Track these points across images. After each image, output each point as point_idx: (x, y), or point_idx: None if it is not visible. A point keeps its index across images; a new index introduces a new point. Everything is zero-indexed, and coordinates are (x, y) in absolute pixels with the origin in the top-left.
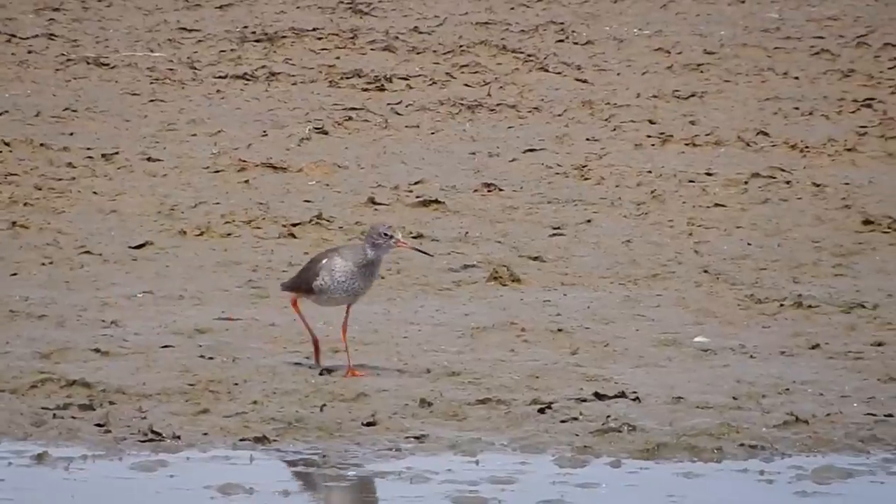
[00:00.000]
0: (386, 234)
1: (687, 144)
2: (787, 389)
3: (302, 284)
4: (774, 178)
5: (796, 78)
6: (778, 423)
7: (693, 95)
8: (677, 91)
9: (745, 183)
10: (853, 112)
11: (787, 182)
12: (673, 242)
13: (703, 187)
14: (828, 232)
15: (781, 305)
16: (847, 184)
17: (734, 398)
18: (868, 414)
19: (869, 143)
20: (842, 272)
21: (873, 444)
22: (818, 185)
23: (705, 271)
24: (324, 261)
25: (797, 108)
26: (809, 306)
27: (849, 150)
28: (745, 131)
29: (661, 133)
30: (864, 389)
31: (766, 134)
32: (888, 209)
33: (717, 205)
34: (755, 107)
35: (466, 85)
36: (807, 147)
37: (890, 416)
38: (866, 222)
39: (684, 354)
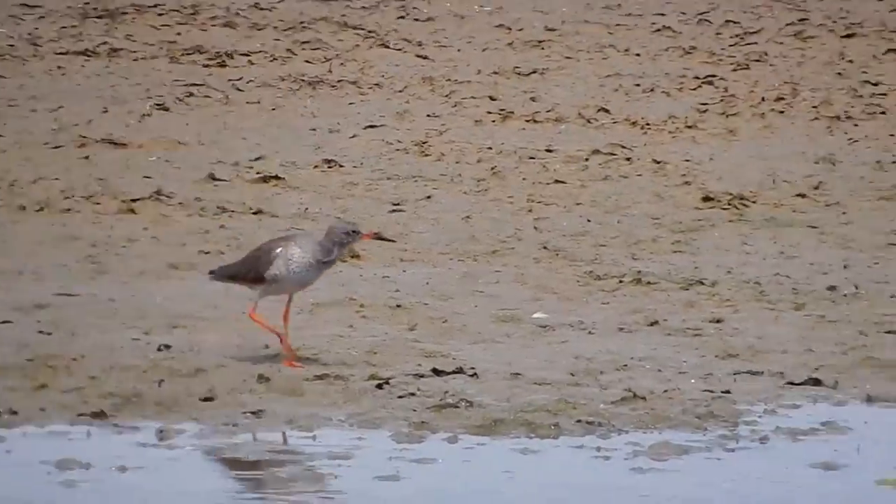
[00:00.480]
0: (353, 232)
1: (527, 121)
2: (625, 366)
3: (249, 273)
4: (615, 154)
5: (637, 55)
6: (616, 400)
7: (534, 72)
8: (518, 68)
9: (586, 160)
10: (694, 89)
11: (628, 159)
12: (512, 219)
13: (544, 164)
14: (667, 209)
15: (620, 282)
16: (687, 161)
17: (572, 374)
18: (706, 390)
19: (710, 120)
20: (681, 249)
21: (710, 420)
22: (658, 162)
23: (545, 248)
24: (278, 250)
25: (638, 85)
26: (648, 283)
27: (689, 127)
28: (585, 108)
29: (502, 110)
30: (701, 366)
31: (606, 111)
32: (728, 186)
33: (557, 181)
34: (596, 83)
35: (307, 61)
36: (647, 124)
37: (727, 392)
38: (706, 199)
39: (523, 331)
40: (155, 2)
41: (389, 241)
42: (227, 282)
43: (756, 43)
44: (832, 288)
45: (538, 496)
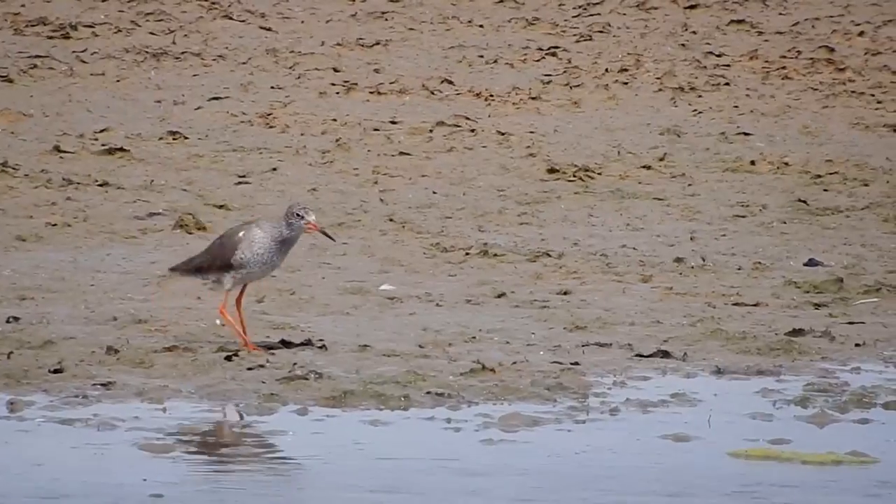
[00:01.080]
0: (298, 215)
1: (371, 93)
2: (474, 338)
3: (215, 261)
4: (459, 126)
5: (481, 26)
6: (464, 372)
7: (377, 44)
8: (362, 39)
9: (430, 131)
10: (538, 60)
11: (472, 130)
12: (358, 191)
13: (388, 136)
14: (513, 180)
15: (467, 254)
16: (532, 132)
17: (421, 346)
18: (554, 362)
19: (554, 91)
20: (527, 221)
21: (560, 392)
22: (503, 134)
23: (391, 220)
24: (241, 233)
25: (482, 57)
26: (495, 255)
27: (533, 98)
28: (429, 80)
29: (346, 81)
30: (549, 338)
31: (450, 82)
32: (573, 157)
33: (402, 153)
34: (440, 55)
35: (151, 33)
36: (491, 95)
37: (576, 364)
38: (551, 171)
39: (371, 303)
40: None
41: (330, 238)
42: (191, 276)
43: (599, 14)
44: (679, 260)
45: (388, 469)
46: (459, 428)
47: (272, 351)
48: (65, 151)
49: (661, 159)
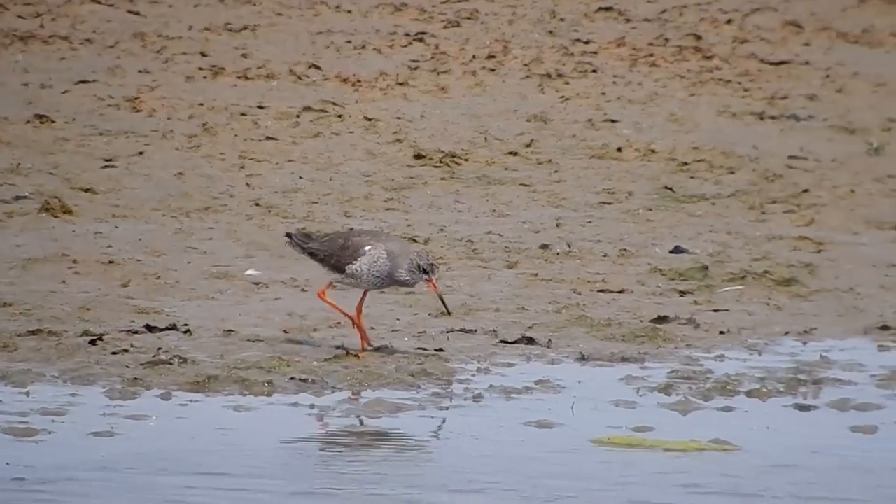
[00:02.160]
0: (423, 270)
1: (239, 77)
2: (339, 323)
3: (331, 259)
4: (326, 111)
5: (349, 11)
6: (329, 357)
7: (245, 28)
8: (230, 24)
9: (297, 116)
10: (405, 46)
11: (339, 116)
12: (225, 175)
13: (255, 120)
14: (379, 166)
15: None
16: (399, 118)
17: (285, 331)
18: (419, 349)
19: (421, 77)
20: (393, 206)
21: (424, 378)
22: (370, 119)
23: (257, 204)
24: (368, 247)
25: (349, 42)
26: None
27: (401, 84)
28: (297, 65)
29: (213, 66)
30: (415, 324)
31: (318, 67)
32: (439, 143)
33: (268, 138)
34: (307, 40)
35: (20, 16)
36: (359, 81)
37: (440, 350)
38: (418, 157)
39: (236, 287)
40: None
41: (445, 308)
42: (302, 254)
43: (467, 0)
44: (545, 246)
45: (251, 455)
46: (323, 414)
47: (136, 335)
48: None
49: (528, 146)
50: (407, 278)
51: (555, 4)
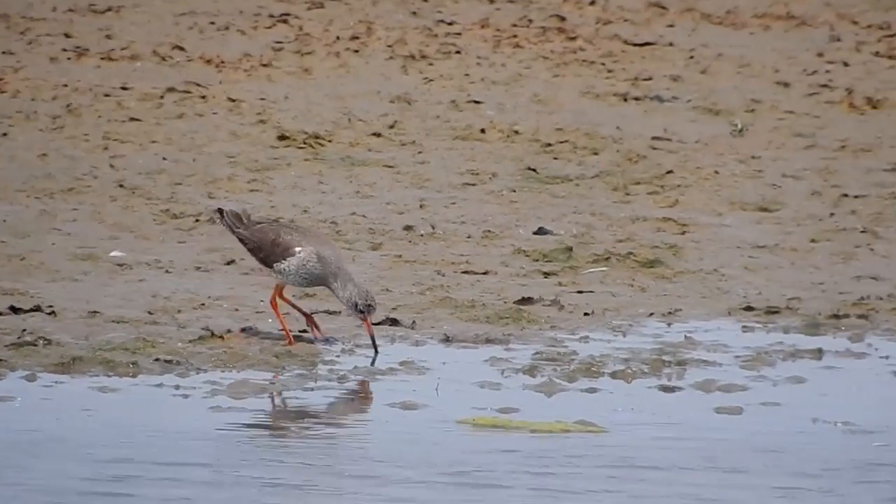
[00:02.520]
0: (361, 311)
1: (102, 58)
2: (203, 305)
3: (260, 252)
4: (190, 92)
5: None
6: (193, 339)
7: (109, 10)
8: (93, 5)
9: (161, 98)
10: (269, 27)
11: (203, 97)
12: (89, 156)
13: (119, 101)
14: (243, 147)
15: (197, 220)
16: (263, 99)
17: (150, 313)
18: (283, 330)
19: (284, 58)
20: (257, 188)
21: (288, 359)
22: (234, 101)
23: (121, 185)
24: (299, 248)
25: (213, 23)
26: None
27: (264, 65)
28: (160, 46)
29: (78, 47)
30: (279, 305)
31: (181, 48)
32: (303, 125)
33: (132, 119)
34: (171, 21)
35: None
36: (222, 62)
37: (305, 331)
38: (281, 138)
39: (100, 269)
40: None
41: (375, 348)
42: (229, 233)
43: None
44: (409, 228)
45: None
46: (188, 395)
47: (1, 316)
48: None
49: (392, 127)
50: (341, 296)
51: None
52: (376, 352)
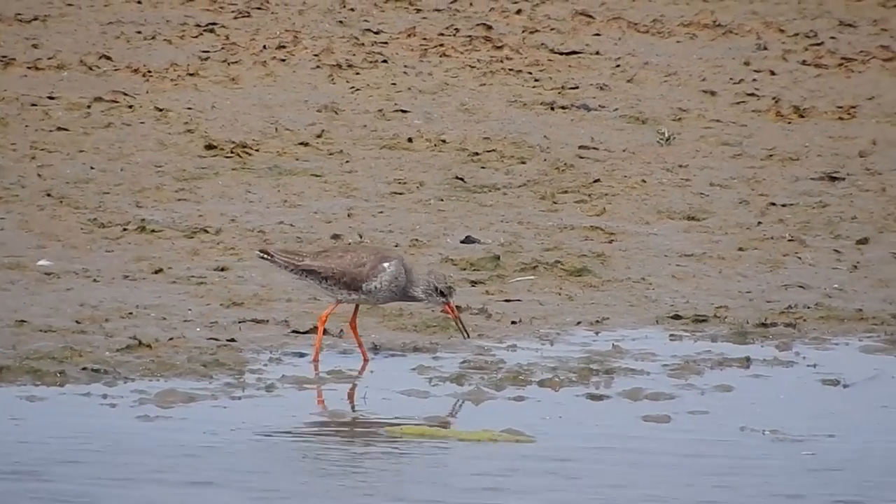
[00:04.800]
0: (442, 293)
1: (30, 68)
2: (131, 314)
3: (343, 277)
4: (117, 102)
5: (139, 2)
6: (121, 348)
7: (36, 19)
8: (20, 14)
9: (88, 107)
10: (196, 37)
11: (130, 106)
12: (16, 166)
13: (46, 111)
14: (171, 156)
15: (125, 230)
16: (190, 108)
17: (77, 322)
18: (211, 339)
19: (211, 67)
20: (185, 197)
21: (216, 368)
22: (161, 110)
23: (49, 195)
24: (385, 264)
25: (139, 33)
26: (152, 230)
27: (191, 74)
28: (87, 55)
29: (4, 56)
30: (206, 314)
31: (108, 58)
32: (231, 134)
33: (59, 128)
34: (98, 31)
35: None
36: (150, 71)
37: (232, 340)
38: (209, 147)
39: (28, 278)
40: None
41: (465, 333)
42: (287, 271)
43: None
44: (336, 236)
45: (44, 444)
46: (116, 404)
47: None
48: None
49: (319, 136)
50: (422, 297)
51: None
52: (467, 335)
